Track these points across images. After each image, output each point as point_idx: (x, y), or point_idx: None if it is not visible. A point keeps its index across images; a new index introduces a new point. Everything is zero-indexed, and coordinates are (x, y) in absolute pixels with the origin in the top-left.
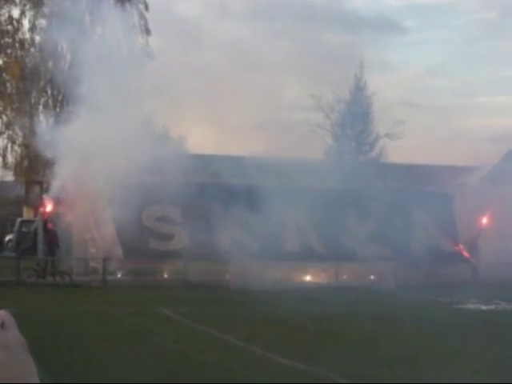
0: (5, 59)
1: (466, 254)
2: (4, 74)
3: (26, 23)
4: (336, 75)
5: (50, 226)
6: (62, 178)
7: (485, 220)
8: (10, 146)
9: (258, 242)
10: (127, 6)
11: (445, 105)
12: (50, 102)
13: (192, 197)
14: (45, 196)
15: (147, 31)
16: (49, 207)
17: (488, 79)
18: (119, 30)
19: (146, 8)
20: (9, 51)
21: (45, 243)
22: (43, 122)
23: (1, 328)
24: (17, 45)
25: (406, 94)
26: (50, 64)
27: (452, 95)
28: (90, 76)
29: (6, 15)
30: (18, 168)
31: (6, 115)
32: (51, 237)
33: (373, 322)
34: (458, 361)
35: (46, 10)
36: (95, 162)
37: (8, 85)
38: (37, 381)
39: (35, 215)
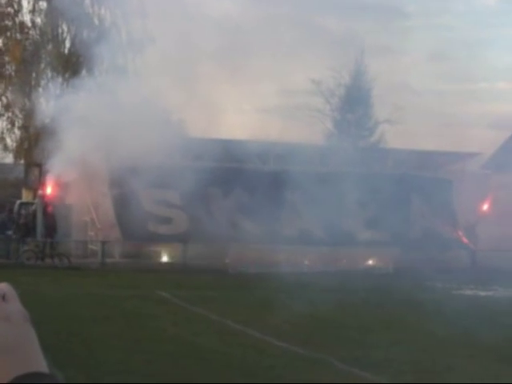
0: (5, 41)
1: (464, 240)
2: (4, 56)
3: (26, 5)
4: (337, 60)
5: (49, 209)
6: (61, 160)
7: (484, 206)
8: (9, 128)
9: (258, 226)
10: None
11: (445, 90)
12: (50, 84)
13: (191, 180)
14: (44, 179)
15: (145, 14)
16: (49, 190)
17: (489, 65)
18: (118, 13)
19: None
20: (9, 34)
21: (44, 226)
22: (43, 104)
23: (2, 300)
24: (17, 27)
25: (407, 79)
26: (50, 46)
27: (453, 81)
28: (89, 58)
29: None
30: (17, 150)
31: (6, 97)
32: (50, 220)
33: (370, 308)
34: (455, 346)
35: None
36: (95, 145)
37: (8, 67)
38: (39, 352)
39: (34, 197)
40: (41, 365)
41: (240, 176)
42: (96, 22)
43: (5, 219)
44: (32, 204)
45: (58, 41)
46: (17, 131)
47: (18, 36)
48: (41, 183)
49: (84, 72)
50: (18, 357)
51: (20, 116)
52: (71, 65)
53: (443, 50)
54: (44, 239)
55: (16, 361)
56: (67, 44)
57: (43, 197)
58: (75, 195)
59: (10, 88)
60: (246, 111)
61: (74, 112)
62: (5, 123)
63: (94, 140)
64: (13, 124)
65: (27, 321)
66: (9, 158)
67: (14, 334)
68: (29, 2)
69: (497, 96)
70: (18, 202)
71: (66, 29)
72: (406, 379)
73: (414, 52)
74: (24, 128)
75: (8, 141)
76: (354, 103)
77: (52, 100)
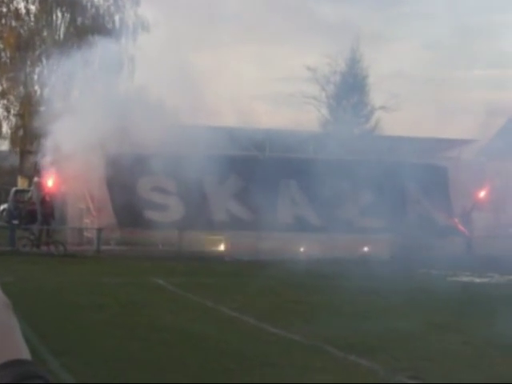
0: (0, 28)
1: (460, 227)
2: None
3: None
4: (332, 47)
5: (47, 196)
6: (56, 147)
7: (479, 193)
8: (5, 115)
9: (253, 213)
10: None
11: (441, 78)
12: (45, 71)
13: (186, 168)
14: (40, 166)
15: (137, 2)
16: (46, 178)
17: (485, 52)
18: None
19: None
20: (3, 21)
21: (41, 214)
22: (38, 91)
23: None
24: (11, 14)
25: (403, 66)
26: (45, 33)
27: (448, 68)
28: (83, 45)
29: None
30: (13, 138)
31: (1, 85)
32: (48, 208)
33: (366, 295)
34: (450, 333)
35: None
36: (90, 132)
37: (3, 54)
38: (21, 339)
39: (30, 185)
40: (22, 352)
41: (236, 163)
42: (90, 8)
43: (11, 208)
44: (27, 191)
45: (52, 28)
46: (12, 118)
47: (13, 23)
48: (36, 171)
49: (78, 59)
50: None
51: (15, 103)
52: (66, 51)
53: (438, 37)
54: (40, 226)
55: None
56: (61, 31)
57: (39, 184)
58: (71, 182)
59: (5, 75)
60: (240, 98)
61: (69, 99)
62: (0, 110)
63: (90, 127)
64: (8, 111)
65: (9, 308)
66: (4, 146)
67: None
68: None
69: (492, 83)
70: (14, 189)
71: (60, 16)
72: (402, 366)
73: (410, 39)
74: (19, 115)
75: (3, 128)
76: (349, 90)
77: (47, 87)
